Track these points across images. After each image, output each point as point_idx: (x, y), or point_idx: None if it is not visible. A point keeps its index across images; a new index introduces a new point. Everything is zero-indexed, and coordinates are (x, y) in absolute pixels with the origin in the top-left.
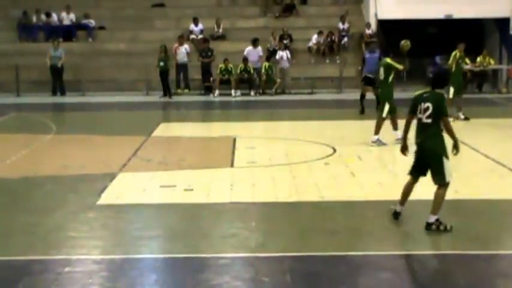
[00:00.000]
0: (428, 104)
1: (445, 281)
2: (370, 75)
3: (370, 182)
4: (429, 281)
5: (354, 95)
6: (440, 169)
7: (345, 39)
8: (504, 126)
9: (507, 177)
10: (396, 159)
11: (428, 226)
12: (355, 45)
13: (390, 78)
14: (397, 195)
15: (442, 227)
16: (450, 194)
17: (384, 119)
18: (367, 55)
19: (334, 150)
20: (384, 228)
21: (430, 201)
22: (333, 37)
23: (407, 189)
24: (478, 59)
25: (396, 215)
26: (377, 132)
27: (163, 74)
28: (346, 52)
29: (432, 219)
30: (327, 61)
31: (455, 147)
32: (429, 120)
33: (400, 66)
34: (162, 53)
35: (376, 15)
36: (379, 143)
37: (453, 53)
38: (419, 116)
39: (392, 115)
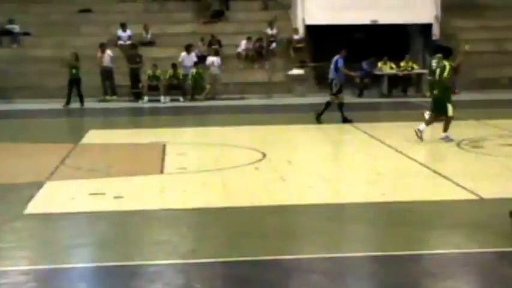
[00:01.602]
0: None
1: (375, 282)
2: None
3: (300, 186)
4: (359, 282)
5: (283, 100)
6: None
7: (274, 44)
8: (428, 129)
9: (431, 179)
10: (326, 163)
11: None
12: (284, 50)
13: (443, 80)
14: (327, 199)
15: None
16: (377, 197)
17: (452, 117)
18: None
19: (264, 155)
20: (314, 232)
21: (363, 205)
22: (262, 42)
23: None
24: (402, 64)
25: None
26: (445, 129)
27: (75, 81)
28: (275, 57)
29: None
30: (256, 66)
31: None
32: None
33: (446, 75)
34: (73, 60)
35: (303, 20)
36: (447, 139)
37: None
38: None
39: (438, 115)
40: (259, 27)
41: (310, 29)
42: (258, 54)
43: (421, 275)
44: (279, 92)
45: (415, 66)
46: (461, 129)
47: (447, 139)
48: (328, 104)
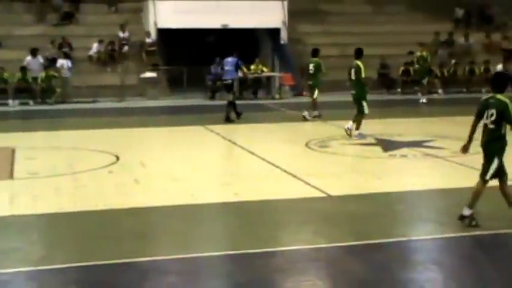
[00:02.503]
0: (493, 111)
1: (229, 280)
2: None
3: (154, 188)
4: (215, 281)
5: (136, 103)
6: (487, 166)
7: (126, 47)
8: (278, 130)
9: (282, 178)
10: (179, 165)
11: (462, 218)
12: (136, 53)
13: (361, 79)
14: (181, 200)
15: (473, 223)
16: (231, 197)
17: (364, 115)
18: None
19: (118, 158)
20: (170, 233)
21: (216, 205)
22: (114, 46)
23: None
24: (252, 67)
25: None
26: (358, 127)
27: None
28: (127, 60)
29: (467, 212)
30: (108, 69)
31: None
32: (493, 126)
33: (363, 75)
34: None
35: (155, 24)
36: (360, 136)
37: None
38: (485, 121)
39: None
40: (110, 30)
41: (162, 32)
42: (110, 57)
43: (273, 271)
44: (131, 95)
45: (264, 69)
46: (309, 129)
47: (360, 136)
48: (233, 104)
